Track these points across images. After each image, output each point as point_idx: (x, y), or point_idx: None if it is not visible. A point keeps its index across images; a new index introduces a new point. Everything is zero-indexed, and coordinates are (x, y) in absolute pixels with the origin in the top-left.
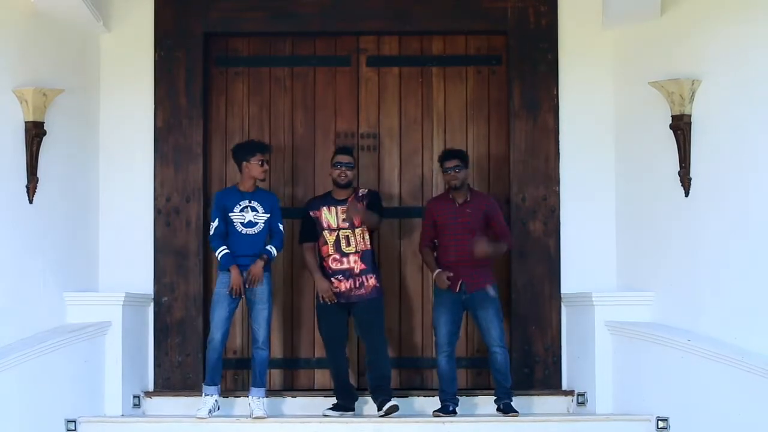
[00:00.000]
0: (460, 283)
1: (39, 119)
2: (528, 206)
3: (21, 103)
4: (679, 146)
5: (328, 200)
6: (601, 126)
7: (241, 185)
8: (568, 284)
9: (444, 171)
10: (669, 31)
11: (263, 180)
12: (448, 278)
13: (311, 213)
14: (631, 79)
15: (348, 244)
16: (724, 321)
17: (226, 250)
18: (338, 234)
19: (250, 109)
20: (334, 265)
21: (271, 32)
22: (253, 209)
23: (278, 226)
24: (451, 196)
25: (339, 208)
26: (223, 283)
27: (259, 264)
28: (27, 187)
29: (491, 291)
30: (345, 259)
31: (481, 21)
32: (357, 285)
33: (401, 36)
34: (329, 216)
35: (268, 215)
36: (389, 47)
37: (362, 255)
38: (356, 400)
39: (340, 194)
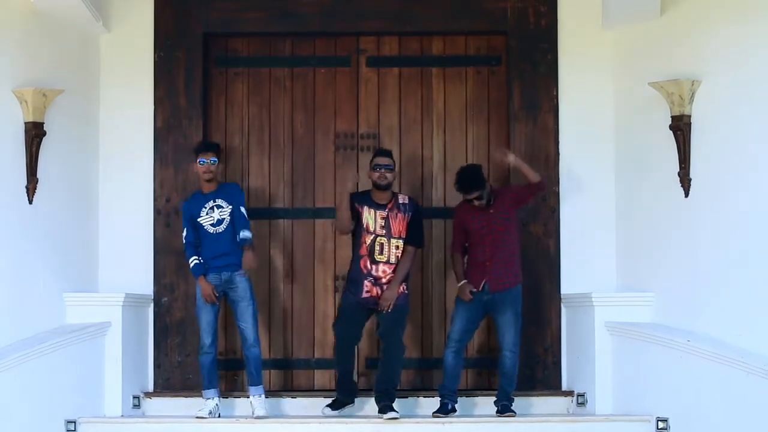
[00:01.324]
0: (483, 282)
1: (39, 120)
2: (528, 207)
3: (21, 103)
4: (679, 147)
5: (369, 201)
6: (601, 126)
7: (204, 187)
8: (568, 285)
9: (467, 201)
10: (669, 31)
11: (208, 181)
12: (474, 292)
13: (356, 204)
14: (630, 79)
15: (381, 252)
16: (724, 321)
17: (196, 260)
18: (374, 239)
19: (249, 109)
20: (365, 269)
21: (271, 32)
22: (219, 207)
23: (239, 209)
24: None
25: (378, 212)
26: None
27: (248, 254)
28: (27, 187)
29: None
30: (375, 267)
31: (481, 21)
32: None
33: (401, 36)
34: (369, 217)
35: (232, 206)
36: (389, 48)
37: (393, 266)
38: (356, 396)
39: (380, 197)
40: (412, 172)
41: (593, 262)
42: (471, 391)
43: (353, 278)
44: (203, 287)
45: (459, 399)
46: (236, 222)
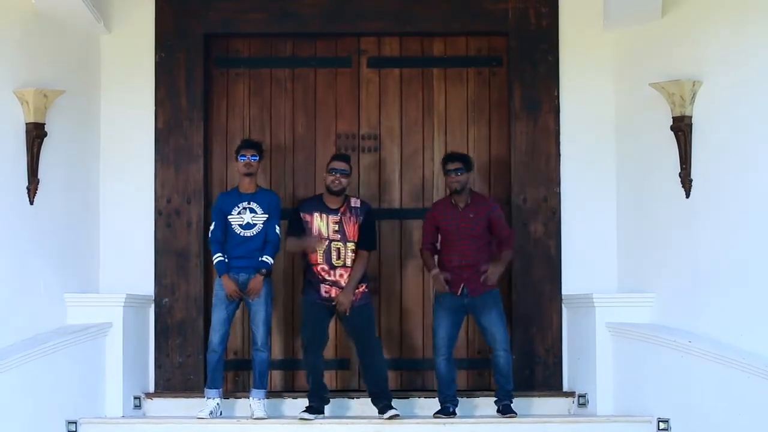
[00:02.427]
0: (462, 286)
1: (40, 120)
2: (529, 207)
3: (22, 104)
4: (680, 147)
5: (321, 206)
6: (602, 127)
7: (241, 186)
8: (568, 285)
9: (445, 173)
10: (670, 32)
11: (247, 175)
12: (449, 281)
13: (302, 214)
14: (631, 80)
15: (338, 257)
16: (724, 322)
17: (221, 258)
18: (329, 245)
19: (250, 110)
20: (322, 275)
21: (271, 33)
22: (252, 210)
23: (274, 230)
24: (453, 201)
25: (330, 217)
26: (220, 285)
27: (259, 279)
28: (28, 188)
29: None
30: (333, 272)
31: (482, 22)
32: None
33: (402, 37)
34: (321, 224)
35: (267, 216)
36: (390, 48)
37: (349, 271)
38: (328, 403)
39: (333, 202)
40: (412, 173)
41: (594, 262)
42: (471, 392)
43: (310, 283)
44: (227, 285)
45: (459, 400)
46: (267, 243)
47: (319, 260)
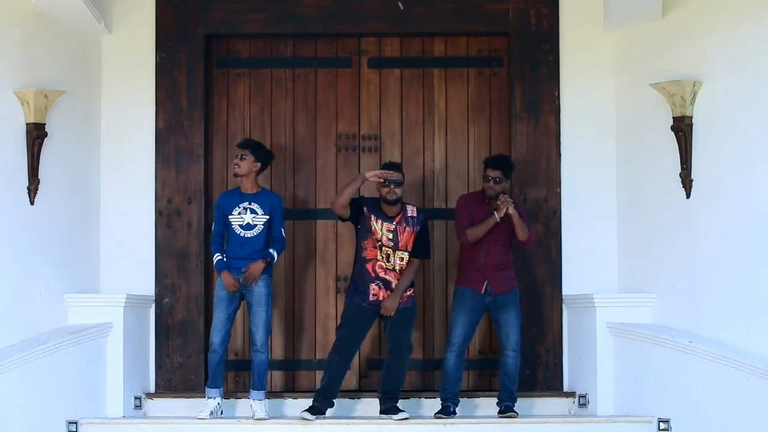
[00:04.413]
0: (485, 284)
1: (40, 121)
2: (529, 208)
3: (22, 104)
4: (681, 148)
5: (379, 212)
6: (603, 127)
7: (242, 187)
8: (569, 286)
9: (484, 177)
10: (670, 32)
11: (238, 176)
12: (475, 280)
13: (364, 208)
14: (632, 80)
15: (387, 261)
16: (725, 322)
17: (220, 257)
18: (381, 247)
19: (251, 110)
20: (377, 272)
21: (272, 34)
22: (252, 211)
23: (279, 230)
24: (487, 199)
25: (386, 224)
26: (221, 286)
27: (260, 264)
28: (28, 188)
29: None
30: (383, 272)
31: (483, 22)
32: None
33: (402, 37)
34: (377, 227)
35: (268, 217)
36: (390, 49)
37: (398, 274)
38: (332, 406)
39: (390, 210)
40: (413, 173)
41: (595, 263)
42: (472, 392)
43: (358, 282)
44: (226, 279)
45: (460, 400)
46: (275, 241)
47: (379, 256)
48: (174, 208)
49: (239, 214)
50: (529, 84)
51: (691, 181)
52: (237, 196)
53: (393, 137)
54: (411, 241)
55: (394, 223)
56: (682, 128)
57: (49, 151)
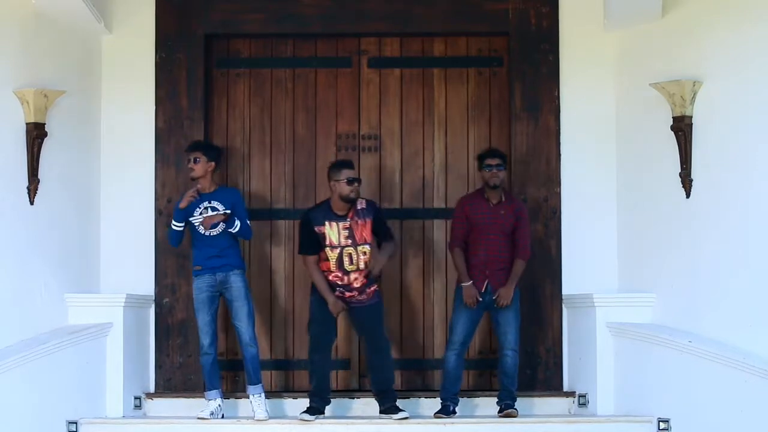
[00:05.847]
0: (486, 283)
1: (40, 120)
2: (529, 207)
3: (22, 104)
4: (680, 148)
5: (329, 214)
6: (603, 127)
7: (201, 188)
8: (569, 285)
9: (484, 168)
10: (670, 32)
11: (194, 179)
12: (478, 298)
13: (316, 228)
14: (632, 80)
15: (351, 262)
16: (725, 322)
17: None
18: (341, 251)
19: (251, 110)
20: (335, 281)
21: (272, 34)
22: (213, 209)
23: (244, 221)
24: (486, 196)
25: (340, 224)
26: (198, 289)
27: (218, 216)
28: (28, 188)
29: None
30: (346, 277)
31: (483, 22)
32: (358, 294)
33: (402, 37)
34: (332, 233)
35: (230, 212)
36: (390, 49)
37: (364, 272)
38: (329, 403)
39: (341, 208)
40: (413, 174)
41: (594, 262)
42: (472, 392)
43: None
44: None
45: (460, 399)
46: (240, 230)
47: (333, 268)
48: (174, 208)
49: (200, 213)
50: (529, 84)
51: (691, 180)
52: (197, 199)
53: (393, 137)
54: (368, 232)
55: (348, 219)
56: (682, 128)
57: (49, 151)
